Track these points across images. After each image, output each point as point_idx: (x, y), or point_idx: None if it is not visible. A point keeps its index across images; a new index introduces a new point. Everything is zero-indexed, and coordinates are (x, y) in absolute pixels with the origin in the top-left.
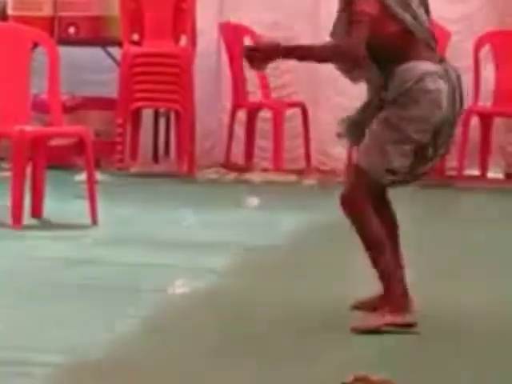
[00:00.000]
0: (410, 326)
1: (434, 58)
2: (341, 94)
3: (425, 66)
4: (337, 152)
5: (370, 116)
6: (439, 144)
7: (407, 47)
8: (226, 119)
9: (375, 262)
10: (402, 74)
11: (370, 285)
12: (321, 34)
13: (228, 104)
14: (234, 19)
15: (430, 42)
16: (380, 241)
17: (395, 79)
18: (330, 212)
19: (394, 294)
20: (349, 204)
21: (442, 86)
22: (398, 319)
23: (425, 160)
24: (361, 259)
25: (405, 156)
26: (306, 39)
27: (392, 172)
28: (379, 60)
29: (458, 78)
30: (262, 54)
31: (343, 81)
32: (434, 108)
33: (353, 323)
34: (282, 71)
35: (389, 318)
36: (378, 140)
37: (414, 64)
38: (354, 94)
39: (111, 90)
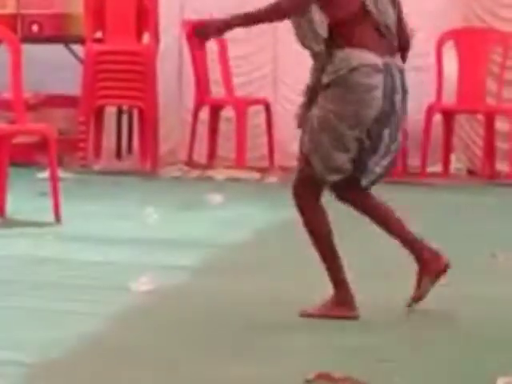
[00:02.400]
0: (352, 319)
1: (379, 50)
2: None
3: (364, 55)
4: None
5: (311, 98)
6: (384, 139)
7: (355, 32)
8: (188, 117)
9: (322, 257)
10: (339, 60)
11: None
12: (283, 31)
13: (190, 102)
14: (194, 17)
15: (387, 34)
16: (325, 235)
17: (332, 63)
18: (293, 209)
19: (341, 291)
20: (297, 196)
21: (378, 80)
22: (344, 312)
23: (371, 154)
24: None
25: (345, 151)
26: (267, 36)
27: (336, 170)
28: (329, 41)
29: (402, 74)
30: (212, 29)
31: (305, 78)
32: (365, 102)
33: (302, 309)
34: (247, 69)
35: (335, 311)
36: (316, 142)
37: (353, 52)
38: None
39: (74, 88)
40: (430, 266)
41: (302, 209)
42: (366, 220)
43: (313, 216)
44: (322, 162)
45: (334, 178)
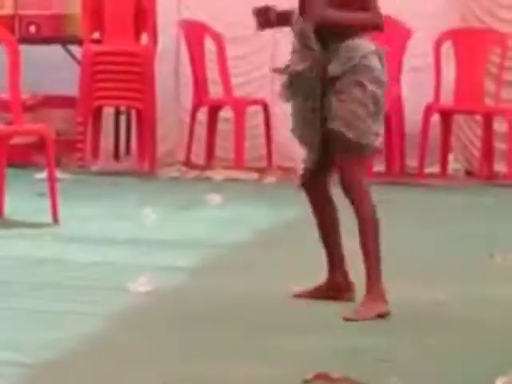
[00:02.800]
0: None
1: (368, 37)
2: None
3: (367, 44)
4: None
5: (307, 84)
6: None
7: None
8: (185, 118)
9: (374, 242)
10: (348, 50)
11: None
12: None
13: (187, 103)
14: (191, 17)
15: None
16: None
17: (340, 55)
18: (292, 209)
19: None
20: (356, 187)
21: (380, 64)
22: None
23: None
24: (318, 256)
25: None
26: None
27: (377, 135)
28: (325, 34)
29: (383, 58)
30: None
31: None
32: (379, 83)
33: (346, 314)
34: (245, 69)
35: (377, 308)
36: (359, 108)
37: (359, 41)
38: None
39: (72, 89)
40: (341, 292)
41: (362, 197)
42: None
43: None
44: (368, 127)
45: (376, 142)
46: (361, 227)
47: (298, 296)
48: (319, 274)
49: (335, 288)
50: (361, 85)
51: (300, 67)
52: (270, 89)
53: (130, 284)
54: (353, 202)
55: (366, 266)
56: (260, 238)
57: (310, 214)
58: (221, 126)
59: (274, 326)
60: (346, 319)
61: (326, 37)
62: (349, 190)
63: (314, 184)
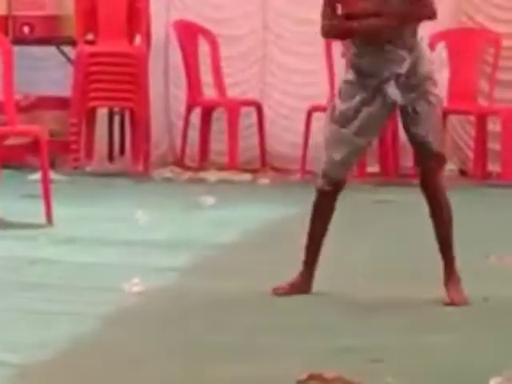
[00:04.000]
0: None
1: None
2: (287, 93)
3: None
4: (289, 151)
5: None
6: None
7: None
8: (175, 120)
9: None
10: (423, 46)
11: (327, 279)
12: (268, 30)
13: (178, 104)
14: (181, 17)
15: None
16: None
17: (420, 51)
18: (285, 210)
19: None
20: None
21: None
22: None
23: None
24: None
25: None
26: (255, 35)
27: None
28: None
29: None
30: None
31: (293, 80)
32: None
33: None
34: (237, 69)
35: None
36: (437, 119)
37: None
38: (300, 95)
39: (66, 90)
40: (299, 285)
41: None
42: (362, 220)
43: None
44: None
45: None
46: (446, 221)
47: (275, 291)
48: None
49: (308, 284)
50: None
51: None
52: (260, 90)
53: (124, 285)
54: (440, 202)
55: (447, 255)
56: (254, 238)
57: (303, 214)
58: (213, 127)
59: (267, 327)
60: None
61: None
62: (440, 191)
63: (337, 190)
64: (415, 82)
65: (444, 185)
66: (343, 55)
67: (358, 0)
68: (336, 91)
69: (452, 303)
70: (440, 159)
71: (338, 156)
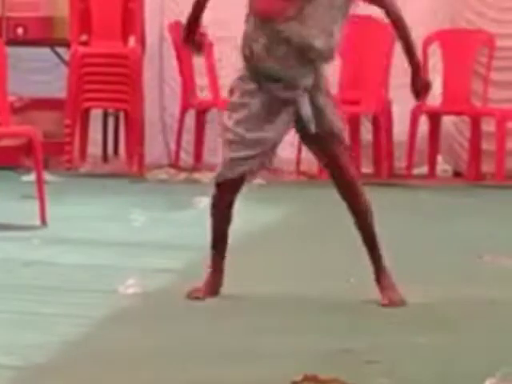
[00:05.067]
0: None
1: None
2: None
3: None
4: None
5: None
6: None
7: None
8: (170, 120)
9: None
10: None
11: (320, 281)
12: None
13: (172, 105)
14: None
15: None
16: None
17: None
18: (280, 210)
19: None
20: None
21: None
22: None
23: None
24: (310, 257)
25: None
26: None
27: None
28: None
29: None
30: None
31: None
32: None
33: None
34: (232, 71)
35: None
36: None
37: None
38: None
39: (60, 91)
40: (212, 286)
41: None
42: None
43: None
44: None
45: None
46: (365, 213)
47: (190, 296)
48: (306, 274)
49: (220, 280)
50: None
51: None
52: None
53: (119, 286)
54: (355, 196)
55: (377, 254)
56: (248, 239)
57: (298, 215)
58: (207, 129)
59: (262, 328)
60: (386, 305)
61: None
62: (353, 183)
63: (238, 185)
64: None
65: (357, 175)
66: None
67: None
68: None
69: (390, 304)
70: (346, 145)
71: (229, 154)
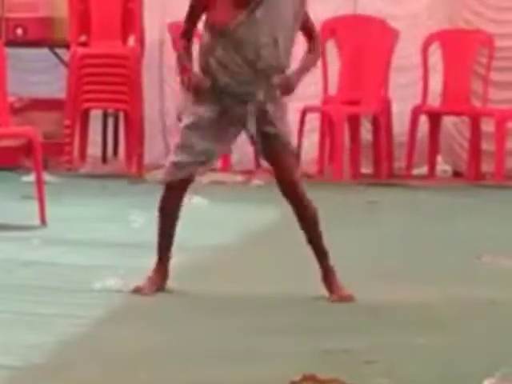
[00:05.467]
0: None
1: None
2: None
3: None
4: None
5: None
6: None
7: None
8: (170, 120)
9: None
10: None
11: (319, 282)
12: None
13: (172, 106)
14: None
15: None
16: None
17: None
18: (279, 211)
19: None
20: (301, 186)
21: None
22: None
23: None
24: (309, 257)
25: None
26: None
27: None
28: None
29: None
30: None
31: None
32: None
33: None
34: None
35: None
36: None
37: None
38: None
39: (59, 92)
40: (157, 282)
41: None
42: (355, 221)
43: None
44: None
45: None
46: (310, 215)
47: (137, 291)
48: (306, 274)
49: (165, 278)
50: None
51: None
52: None
53: (118, 286)
54: (301, 199)
55: (322, 253)
56: (247, 240)
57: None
58: None
59: (261, 328)
60: (337, 300)
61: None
62: (297, 186)
63: (185, 185)
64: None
65: (302, 183)
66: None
67: (230, 12)
68: None
69: (340, 300)
70: (295, 155)
71: (175, 158)
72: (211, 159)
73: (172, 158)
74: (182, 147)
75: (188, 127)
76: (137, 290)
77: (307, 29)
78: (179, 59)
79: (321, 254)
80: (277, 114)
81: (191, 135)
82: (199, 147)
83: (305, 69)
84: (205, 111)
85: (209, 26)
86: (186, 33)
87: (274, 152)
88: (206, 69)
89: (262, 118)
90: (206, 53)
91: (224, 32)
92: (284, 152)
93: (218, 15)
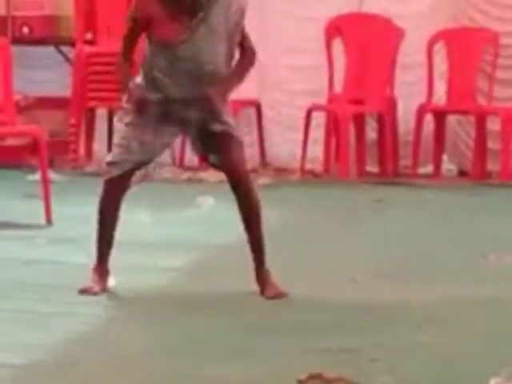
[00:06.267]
0: None
1: None
2: (284, 91)
3: None
4: (289, 151)
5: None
6: None
7: None
8: None
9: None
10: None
11: (326, 279)
12: (266, 29)
13: None
14: None
15: None
16: None
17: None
18: (285, 210)
19: None
20: (250, 179)
21: None
22: None
23: None
24: (313, 256)
25: None
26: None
27: None
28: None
29: None
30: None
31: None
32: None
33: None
34: None
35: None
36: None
37: None
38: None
39: (65, 90)
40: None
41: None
42: (361, 220)
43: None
44: None
45: None
46: (256, 212)
47: (84, 291)
48: (310, 274)
49: (106, 276)
50: None
51: None
52: (259, 90)
53: (122, 285)
54: (250, 192)
55: (262, 253)
56: None
57: (302, 214)
58: None
59: (268, 326)
60: (272, 297)
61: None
62: (248, 182)
63: (126, 180)
64: None
65: (250, 176)
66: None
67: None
68: None
69: (275, 296)
70: (236, 137)
71: (113, 156)
72: (148, 157)
73: (108, 156)
74: (119, 145)
75: (127, 125)
76: (84, 291)
77: (242, 37)
78: (123, 84)
79: (260, 253)
80: (223, 110)
81: (128, 132)
82: (135, 144)
83: (238, 77)
84: (148, 111)
85: (151, 40)
86: (125, 54)
87: (224, 148)
88: (152, 80)
89: (210, 116)
90: (150, 64)
91: (167, 47)
92: (233, 146)
93: (161, 33)
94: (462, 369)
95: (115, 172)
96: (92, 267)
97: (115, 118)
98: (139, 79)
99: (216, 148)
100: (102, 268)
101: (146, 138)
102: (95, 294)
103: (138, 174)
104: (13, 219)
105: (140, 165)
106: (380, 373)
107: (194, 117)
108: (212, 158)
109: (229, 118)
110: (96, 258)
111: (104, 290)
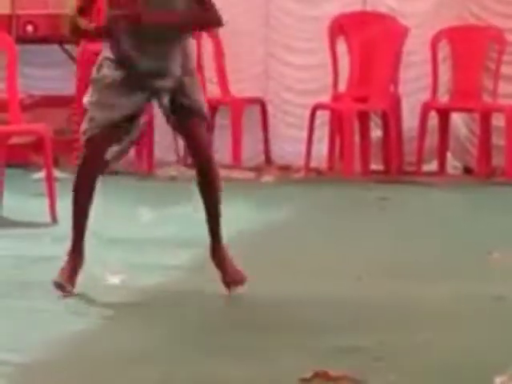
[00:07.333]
0: None
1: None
2: (288, 89)
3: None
4: (293, 149)
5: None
6: None
7: None
8: None
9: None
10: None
11: (330, 277)
12: (270, 27)
13: None
14: None
15: None
16: None
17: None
18: (289, 208)
19: None
20: (214, 161)
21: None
22: None
23: None
24: (317, 254)
25: None
26: (258, 32)
27: None
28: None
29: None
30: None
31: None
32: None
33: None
34: (240, 67)
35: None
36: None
37: None
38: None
39: (69, 88)
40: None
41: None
42: (365, 218)
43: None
44: None
45: None
46: (218, 192)
47: (59, 285)
48: (315, 273)
49: (81, 263)
50: None
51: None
52: (264, 86)
53: (126, 282)
54: (214, 174)
55: (218, 230)
56: (257, 237)
57: (307, 213)
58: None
59: (270, 325)
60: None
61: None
62: (211, 161)
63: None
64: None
65: (214, 158)
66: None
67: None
68: None
69: (234, 282)
70: (203, 116)
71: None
72: (122, 114)
73: (86, 118)
74: (95, 104)
75: (105, 86)
76: (58, 286)
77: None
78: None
79: (217, 231)
80: (193, 87)
81: (104, 93)
82: (110, 102)
83: (182, 17)
84: (119, 75)
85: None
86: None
87: (190, 124)
88: (122, 57)
89: (179, 90)
90: (116, 40)
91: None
92: (200, 125)
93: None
94: (467, 367)
95: (95, 130)
96: (66, 253)
97: (86, 96)
98: (106, 53)
99: (183, 125)
100: (75, 254)
101: (120, 97)
102: (67, 294)
103: (114, 150)
104: (18, 217)
105: (113, 122)
106: (385, 371)
107: (160, 86)
108: (180, 128)
109: (198, 95)
110: (71, 246)
111: (73, 286)
